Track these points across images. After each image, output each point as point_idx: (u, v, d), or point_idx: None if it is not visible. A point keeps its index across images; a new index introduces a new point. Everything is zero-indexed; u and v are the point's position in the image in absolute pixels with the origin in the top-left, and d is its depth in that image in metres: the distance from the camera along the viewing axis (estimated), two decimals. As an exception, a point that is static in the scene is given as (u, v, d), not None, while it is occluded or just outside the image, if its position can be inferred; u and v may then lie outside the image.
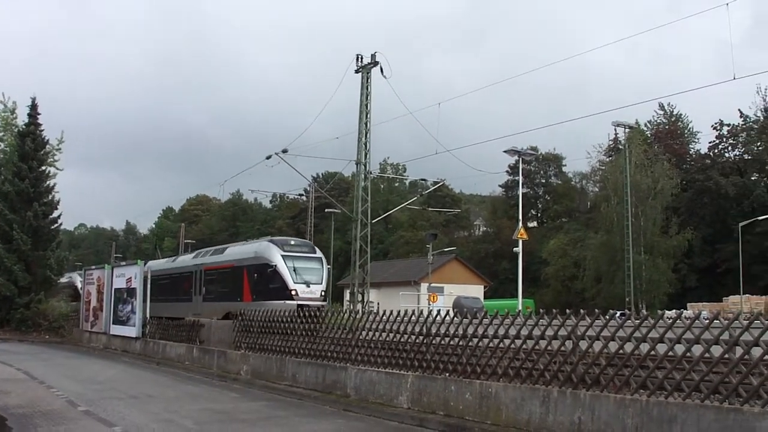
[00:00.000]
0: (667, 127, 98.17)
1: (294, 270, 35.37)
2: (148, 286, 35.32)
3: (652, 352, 12.11)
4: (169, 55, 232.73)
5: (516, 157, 61.87)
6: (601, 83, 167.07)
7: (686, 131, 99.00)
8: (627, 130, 74.48)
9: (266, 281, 35.65)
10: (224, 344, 26.84)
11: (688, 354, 11.63)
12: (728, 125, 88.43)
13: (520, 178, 67.61)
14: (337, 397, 18.21)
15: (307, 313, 21.80)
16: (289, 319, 22.60)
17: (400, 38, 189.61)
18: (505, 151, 58.43)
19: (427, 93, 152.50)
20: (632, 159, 73.42)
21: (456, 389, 14.95)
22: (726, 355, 11.18)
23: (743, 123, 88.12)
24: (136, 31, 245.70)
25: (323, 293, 36.55)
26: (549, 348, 13.82)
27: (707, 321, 11.85)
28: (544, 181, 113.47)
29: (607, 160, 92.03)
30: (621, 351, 12.61)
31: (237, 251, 40.73)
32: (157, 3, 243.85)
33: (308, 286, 35.15)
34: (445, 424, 14.44)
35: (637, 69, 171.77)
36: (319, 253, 38.41)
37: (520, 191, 62.98)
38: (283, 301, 31.95)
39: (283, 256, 35.73)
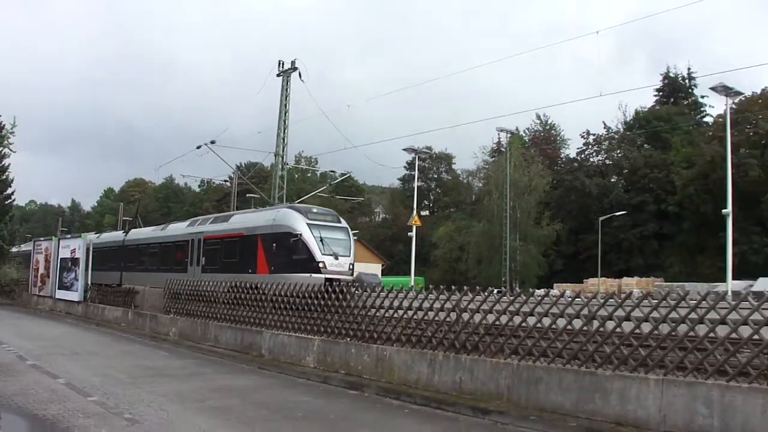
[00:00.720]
0: (542, 134, 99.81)
1: (321, 240, 29.56)
2: (90, 256, 35.01)
3: (524, 324, 12.32)
4: (111, 53, 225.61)
5: (413, 155, 62.68)
6: (487, 93, 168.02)
7: (558, 138, 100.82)
8: (508, 135, 75.66)
9: (288, 252, 29.71)
10: (156, 309, 26.46)
11: (554, 326, 11.90)
12: (594, 135, 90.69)
13: (416, 173, 68.29)
14: (253, 357, 18.13)
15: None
16: (212, 290, 22.26)
17: (317, 48, 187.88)
18: (403, 149, 59.42)
19: (338, 96, 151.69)
20: (512, 160, 74.14)
21: (356, 352, 15.02)
22: (585, 327, 11.48)
23: (606, 133, 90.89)
24: (78, 27, 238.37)
25: (352, 267, 30.91)
26: (436, 318, 13.96)
27: (570, 299, 12.12)
28: (436, 176, 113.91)
29: (491, 160, 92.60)
30: (497, 322, 12.83)
31: (248, 218, 34.25)
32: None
33: (336, 258, 29.54)
34: (345, 382, 14.47)
35: (517, 84, 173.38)
36: (344, 223, 32.64)
37: (416, 184, 63.87)
38: (309, 274, 27.07)
39: (308, 224, 29.91)
